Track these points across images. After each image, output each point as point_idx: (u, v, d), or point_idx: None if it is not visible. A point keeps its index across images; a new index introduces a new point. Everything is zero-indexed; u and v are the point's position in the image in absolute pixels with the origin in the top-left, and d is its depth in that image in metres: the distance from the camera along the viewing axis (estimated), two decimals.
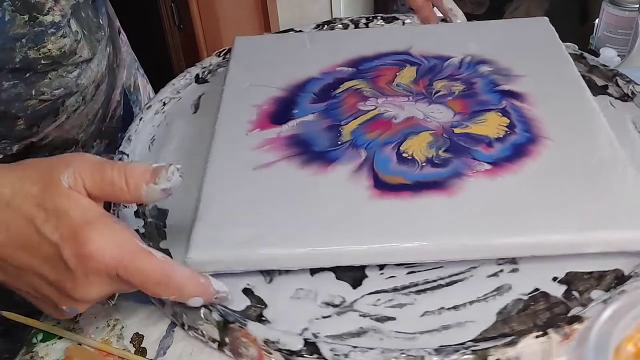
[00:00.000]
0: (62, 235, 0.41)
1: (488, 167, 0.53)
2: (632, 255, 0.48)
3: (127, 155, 0.60)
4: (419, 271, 0.49)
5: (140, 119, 0.64)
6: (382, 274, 0.49)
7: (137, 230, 0.52)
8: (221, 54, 0.73)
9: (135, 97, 0.79)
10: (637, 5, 0.81)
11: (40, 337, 0.50)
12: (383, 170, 0.54)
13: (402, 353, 0.42)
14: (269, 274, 0.50)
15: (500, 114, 0.59)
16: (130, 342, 0.49)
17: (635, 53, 0.79)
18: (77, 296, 0.43)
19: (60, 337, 0.50)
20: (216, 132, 0.59)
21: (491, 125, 0.57)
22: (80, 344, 0.49)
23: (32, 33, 0.58)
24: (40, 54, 0.59)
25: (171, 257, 0.45)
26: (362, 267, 0.50)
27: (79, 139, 0.69)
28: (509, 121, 0.58)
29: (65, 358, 0.48)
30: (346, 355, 0.43)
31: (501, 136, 0.56)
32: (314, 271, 0.50)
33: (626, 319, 0.37)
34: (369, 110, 0.60)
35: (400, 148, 0.55)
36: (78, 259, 0.41)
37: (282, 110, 0.61)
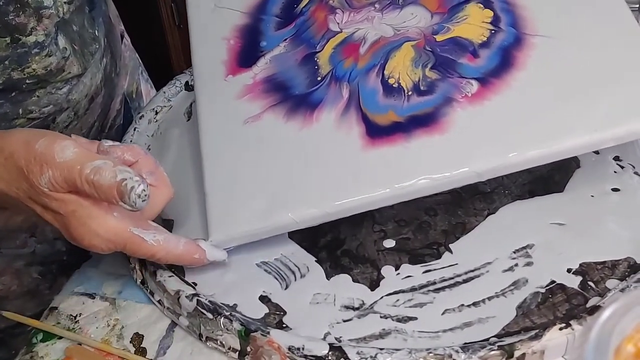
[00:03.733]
0: (60, 226, 0.47)
1: (475, 87, 0.50)
2: None
3: None
4: (435, 269, 0.49)
5: (135, 129, 0.63)
6: (398, 274, 0.49)
7: None
8: None
9: (137, 103, 0.77)
10: (637, 5, 0.82)
11: (40, 337, 0.51)
12: (371, 107, 0.51)
13: (430, 352, 0.42)
14: (284, 280, 0.50)
15: (482, 6, 0.54)
16: (130, 342, 0.49)
17: None
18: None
19: (60, 337, 0.50)
20: (197, 82, 0.57)
21: (474, 21, 0.54)
22: (80, 344, 0.49)
23: (15, 55, 0.56)
24: (24, 74, 0.57)
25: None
26: (378, 269, 0.50)
27: None
28: (492, 14, 0.54)
29: (65, 358, 0.49)
30: (374, 358, 0.42)
31: (486, 39, 0.53)
32: (329, 275, 0.50)
33: (626, 319, 0.37)
34: (337, 33, 0.56)
35: (385, 72, 0.52)
36: (78, 244, 0.47)
37: (249, 45, 0.58)
